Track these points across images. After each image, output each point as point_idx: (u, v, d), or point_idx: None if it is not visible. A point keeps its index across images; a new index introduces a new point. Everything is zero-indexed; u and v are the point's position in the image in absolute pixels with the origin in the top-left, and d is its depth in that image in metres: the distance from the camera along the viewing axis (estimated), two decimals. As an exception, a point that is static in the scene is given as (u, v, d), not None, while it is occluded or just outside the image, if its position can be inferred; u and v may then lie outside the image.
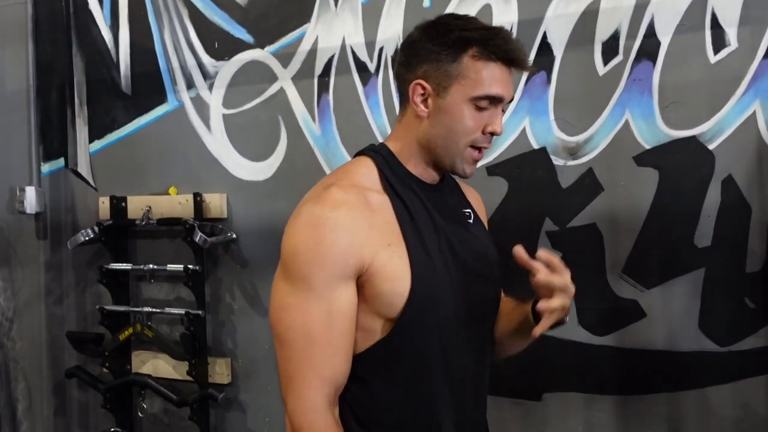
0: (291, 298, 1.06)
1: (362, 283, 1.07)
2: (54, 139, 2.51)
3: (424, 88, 1.12)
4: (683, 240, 1.72)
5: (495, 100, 1.10)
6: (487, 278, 1.22)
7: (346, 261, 1.05)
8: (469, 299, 1.16)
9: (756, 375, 1.67)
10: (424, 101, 1.13)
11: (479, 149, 1.13)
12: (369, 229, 1.07)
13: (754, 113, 1.66)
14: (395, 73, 1.20)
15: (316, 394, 1.04)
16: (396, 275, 1.07)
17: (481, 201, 1.38)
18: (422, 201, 1.15)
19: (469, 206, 1.28)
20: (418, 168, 1.18)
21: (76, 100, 2.47)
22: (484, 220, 1.37)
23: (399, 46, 1.22)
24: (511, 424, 1.89)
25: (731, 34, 1.67)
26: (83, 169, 2.48)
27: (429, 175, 1.19)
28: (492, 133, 1.12)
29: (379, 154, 1.18)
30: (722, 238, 1.69)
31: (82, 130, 2.47)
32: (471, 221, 1.26)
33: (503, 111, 1.14)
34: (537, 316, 1.12)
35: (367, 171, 1.16)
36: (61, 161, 2.50)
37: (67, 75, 2.47)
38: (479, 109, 1.10)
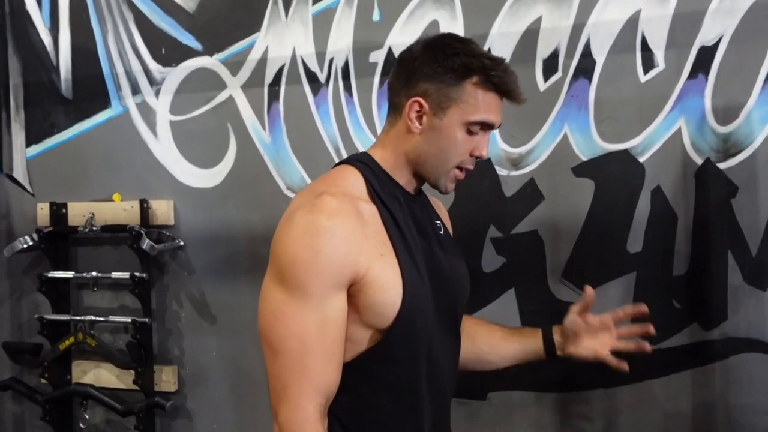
0: (286, 306, 1.05)
1: (354, 292, 1.08)
2: (-13, 143, 2.44)
3: (421, 105, 1.15)
4: (617, 246, 1.85)
5: (487, 126, 1.17)
6: (458, 289, 1.27)
7: (343, 270, 1.05)
8: (445, 309, 1.21)
9: (683, 370, 1.81)
10: (419, 118, 1.16)
11: (463, 170, 1.20)
12: (363, 239, 1.08)
13: (679, 129, 1.79)
14: (389, 82, 1.22)
15: (309, 404, 1.04)
16: (389, 286, 1.09)
17: (446, 213, 1.45)
18: (405, 212, 1.19)
19: (439, 218, 1.33)
20: (403, 179, 1.21)
21: (12, 103, 2.40)
22: (451, 231, 1.42)
23: (397, 56, 1.24)
24: (458, 423, 1.93)
25: (659, 55, 1.81)
26: (19, 174, 2.41)
27: (411, 186, 1.23)
28: (479, 157, 1.18)
29: (365, 164, 1.20)
30: (652, 244, 1.82)
31: (18, 134, 2.40)
32: (442, 233, 1.31)
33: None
34: (548, 346, 1.42)
35: (355, 180, 1.17)
36: (-5, 166, 2.43)
37: (2, 77, 2.40)
38: (471, 133, 1.16)
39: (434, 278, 1.18)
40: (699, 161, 1.79)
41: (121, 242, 2.22)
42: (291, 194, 2.10)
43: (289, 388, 1.04)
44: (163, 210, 2.20)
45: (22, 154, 2.40)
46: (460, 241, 1.92)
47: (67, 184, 2.34)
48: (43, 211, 2.31)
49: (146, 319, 2.16)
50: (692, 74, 1.79)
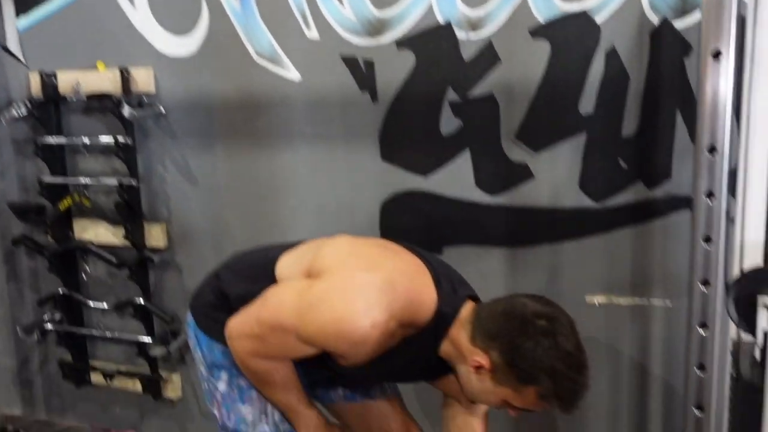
0: (286, 312, 1.36)
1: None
2: (-20, 15, 2.52)
3: (482, 365, 1.30)
4: (569, 107, 1.89)
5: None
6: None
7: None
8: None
9: (624, 227, 1.90)
10: (477, 368, 1.31)
11: None
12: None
13: (638, -13, 1.78)
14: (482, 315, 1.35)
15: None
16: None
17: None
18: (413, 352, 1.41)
19: (439, 377, 1.58)
20: (444, 355, 1.40)
21: (-2, -26, 2.46)
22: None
23: (501, 308, 1.35)
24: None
25: None
26: (12, 45, 2.50)
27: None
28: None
29: (440, 324, 1.36)
30: (603, 106, 1.86)
31: (7, 4, 2.48)
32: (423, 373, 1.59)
33: None
34: None
35: (426, 313, 1.35)
36: (-12, 38, 2.53)
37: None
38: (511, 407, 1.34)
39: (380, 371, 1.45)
40: (656, 21, 1.78)
41: (108, 110, 2.33)
42: (261, 61, 2.15)
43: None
44: (143, 78, 2.29)
45: (13, 24, 2.49)
46: (419, 104, 1.99)
47: (56, 53, 2.43)
48: (35, 80, 2.42)
49: (132, 181, 2.31)
50: (653, -72, 1.74)
